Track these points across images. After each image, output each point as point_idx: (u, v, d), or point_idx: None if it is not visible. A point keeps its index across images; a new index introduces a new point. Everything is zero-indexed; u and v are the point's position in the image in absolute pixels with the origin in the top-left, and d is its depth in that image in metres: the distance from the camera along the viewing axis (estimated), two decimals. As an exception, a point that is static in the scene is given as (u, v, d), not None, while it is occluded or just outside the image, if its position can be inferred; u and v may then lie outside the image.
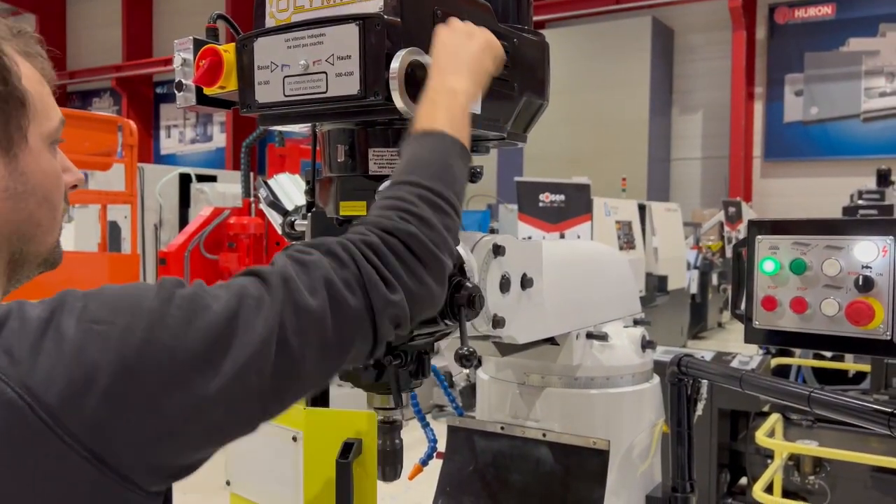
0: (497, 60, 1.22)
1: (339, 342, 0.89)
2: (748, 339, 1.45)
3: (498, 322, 1.33)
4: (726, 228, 10.70)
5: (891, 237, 1.28)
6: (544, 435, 1.71)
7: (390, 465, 1.41)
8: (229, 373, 0.80)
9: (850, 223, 1.33)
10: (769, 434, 3.49)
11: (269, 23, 1.26)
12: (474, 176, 1.38)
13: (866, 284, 1.29)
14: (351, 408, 1.41)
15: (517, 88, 1.39)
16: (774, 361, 4.55)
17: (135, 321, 0.78)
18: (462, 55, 1.14)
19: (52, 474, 0.74)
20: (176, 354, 0.78)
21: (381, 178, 1.24)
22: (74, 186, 1.05)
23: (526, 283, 1.42)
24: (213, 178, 9.20)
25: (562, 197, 7.34)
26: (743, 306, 1.48)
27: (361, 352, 0.93)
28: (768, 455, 3.73)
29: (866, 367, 4.46)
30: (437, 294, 0.98)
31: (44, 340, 0.76)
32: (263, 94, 1.23)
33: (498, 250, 1.33)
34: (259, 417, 0.87)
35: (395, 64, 1.11)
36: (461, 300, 1.19)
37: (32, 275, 1.00)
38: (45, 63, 0.99)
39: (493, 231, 6.15)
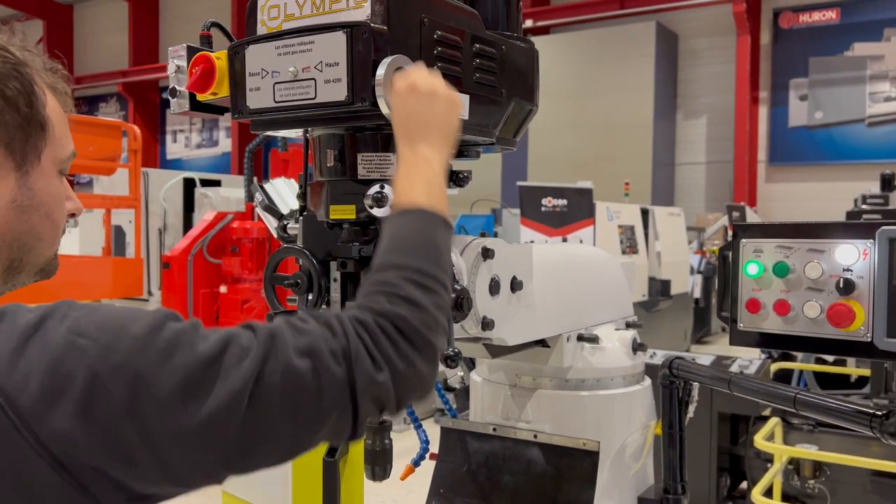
0: (459, 113, 1.19)
1: (315, 408, 0.87)
2: (733, 342, 1.47)
3: (487, 324, 1.36)
4: (730, 233, 10.68)
5: (871, 240, 1.29)
6: (536, 436, 1.73)
7: (380, 465, 1.43)
8: (196, 415, 0.80)
9: (832, 227, 1.35)
10: (769, 438, 3.50)
11: (261, 30, 1.29)
12: (462, 181, 1.40)
13: (847, 287, 1.31)
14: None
15: (505, 94, 1.41)
16: (775, 366, 4.56)
17: (116, 343, 0.80)
18: (430, 120, 1.13)
19: (16, 475, 0.76)
20: (145, 384, 0.79)
21: (370, 182, 1.27)
22: (73, 215, 1.10)
23: (516, 285, 1.44)
24: (217, 183, 9.24)
25: (564, 201, 7.35)
26: (729, 309, 1.49)
27: (340, 428, 0.91)
28: (768, 459, 3.73)
29: (867, 372, 4.46)
30: (426, 376, 0.96)
31: (28, 345, 0.78)
32: (254, 100, 1.25)
33: (487, 253, 1.35)
34: (221, 469, 0.86)
35: (382, 70, 1.14)
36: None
37: (28, 282, 1.04)
38: (68, 99, 1.07)
39: (495, 236, 6.17)
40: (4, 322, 0.80)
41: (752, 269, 1.42)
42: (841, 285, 1.31)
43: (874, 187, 8.01)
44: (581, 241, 7.21)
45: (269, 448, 0.87)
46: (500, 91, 1.40)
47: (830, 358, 5.24)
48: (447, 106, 1.15)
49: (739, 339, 1.45)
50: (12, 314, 0.81)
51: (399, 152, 1.12)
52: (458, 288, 1.26)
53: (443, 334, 0.99)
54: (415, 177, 1.08)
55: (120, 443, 0.78)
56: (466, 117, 1.28)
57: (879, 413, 1.29)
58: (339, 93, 1.16)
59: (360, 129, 1.28)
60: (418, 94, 1.13)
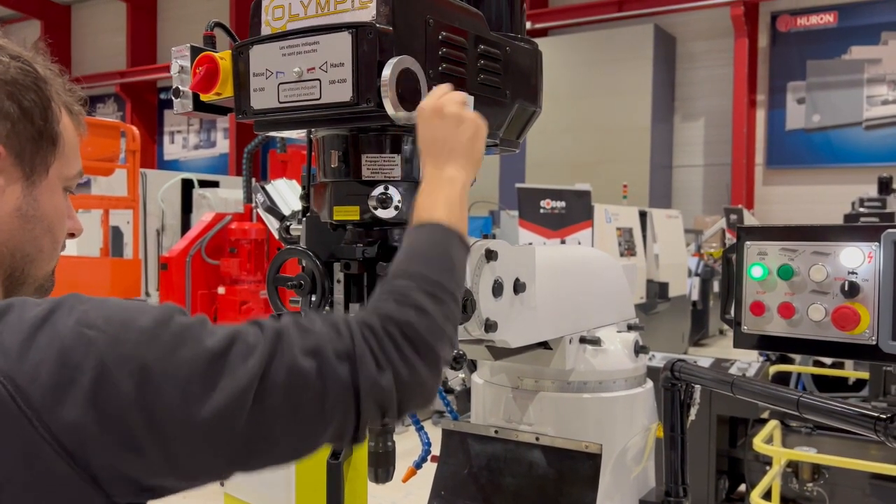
0: (485, 139, 1.22)
1: (319, 409, 0.88)
2: (737, 344, 1.47)
3: (490, 326, 1.35)
4: (728, 236, 10.69)
5: (876, 243, 1.29)
6: (537, 438, 1.73)
7: (382, 467, 1.42)
8: (202, 410, 0.81)
9: (837, 229, 1.35)
10: (767, 441, 3.50)
11: (265, 31, 1.28)
12: (467, 182, 1.39)
13: (852, 290, 1.31)
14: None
15: (509, 95, 1.41)
16: (774, 369, 4.56)
17: (124, 335, 0.81)
18: (456, 144, 1.15)
19: (26, 464, 0.77)
20: (153, 375, 0.80)
21: (374, 184, 1.27)
22: (72, 235, 1.11)
23: (519, 287, 1.43)
24: (215, 184, 9.22)
25: (562, 203, 7.35)
26: (732, 311, 1.49)
27: (344, 430, 0.91)
28: (767, 462, 3.73)
29: (866, 375, 4.46)
30: (428, 384, 0.96)
31: (37, 336, 0.79)
32: (259, 101, 1.25)
33: (491, 255, 1.35)
34: (225, 465, 0.86)
35: (387, 71, 1.13)
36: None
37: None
38: (81, 120, 1.09)
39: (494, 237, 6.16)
40: (12, 314, 0.81)
41: (757, 271, 1.42)
42: (846, 288, 1.31)
43: (872, 190, 8.02)
44: (579, 243, 7.21)
45: (273, 448, 0.87)
46: (504, 92, 1.40)
47: (828, 361, 5.24)
48: (473, 130, 1.18)
49: (744, 341, 1.45)
50: (20, 307, 0.82)
51: (424, 171, 1.14)
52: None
53: (448, 345, 1.00)
54: (437, 195, 1.11)
55: (128, 434, 0.79)
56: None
57: (884, 416, 1.29)
58: (344, 93, 1.16)
59: (364, 130, 1.28)
60: (444, 118, 1.15)
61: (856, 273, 1.32)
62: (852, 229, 1.33)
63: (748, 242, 1.44)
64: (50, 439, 0.77)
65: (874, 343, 1.29)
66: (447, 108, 1.16)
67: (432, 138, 1.15)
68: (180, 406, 0.80)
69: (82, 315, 0.81)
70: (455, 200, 1.11)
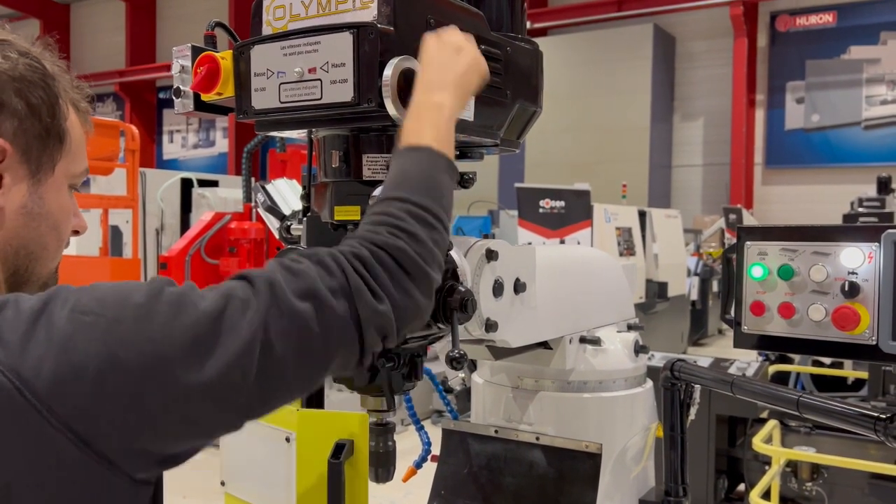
0: (482, 78, 1.23)
1: (324, 347, 0.91)
2: (737, 344, 1.47)
3: (491, 326, 1.35)
4: (727, 235, 10.70)
5: (876, 244, 1.29)
6: (538, 438, 1.73)
7: (383, 466, 1.42)
8: (212, 370, 0.82)
9: (837, 230, 1.35)
10: (767, 440, 3.50)
11: (266, 30, 1.28)
12: (467, 182, 1.40)
13: (852, 290, 1.31)
14: (349, 411, 1.42)
15: (510, 95, 1.41)
16: (773, 368, 4.57)
17: (122, 313, 0.82)
18: (449, 71, 1.15)
19: (40, 456, 0.77)
20: (159, 347, 0.81)
21: (375, 184, 1.26)
22: (76, 232, 1.11)
23: (519, 287, 1.43)
24: (214, 184, 9.21)
25: (562, 203, 7.35)
26: (733, 311, 1.49)
27: (348, 360, 0.95)
28: (766, 461, 3.74)
29: (865, 374, 4.47)
30: (423, 307, 1.00)
31: (35, 329, 0.79)
32: (260, 101, 1.25)
33: (491, 255, 1.35)
34: (242, 417, 0.89)
35: (388, 71, 1.13)
36: (453, 304, 1.21)
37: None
38: (88, 118, 1.09)
39: (493, 237, 6.16)
40: (7, 310, 0.81)
41: (757, 271, 1.42)
42: (846, 288, 1.31)
43: (870, 190, 8.03)
44: (578, 243, 7.21)
45: (284, 391, 0.90)
46: (504, 92, 1.40)
47: (827, 360, 5.25)
48: (470, 63, 1.18)
49: (744, 341, 1.45)
50: (14, 302, 0.83)
51: (413, 97, 1.14)
52: (463, 289, 1.26)
53: (439, 268, 1.03)
54: (425, 118, 1.11)
55: (143, 409, 0.80)
56: (471, 118, 1.28)
57: (884, 416, 1.29)
58: (345, 93, 1.16)
59: (365, 130, 1.28)
60: (445, 46, 1.16)
61: (856, 273, 1.32)
62: (852, 229, 1.34)
63: (748, 242, 1.44)
64: (61, 428, 0.77)
65: (874, 343, 1.30)
66: (450, 36, 1.17)
67: (428, 62, 1.16)
68: (191, 371, 0.82)
69: (76, 303, 0.82)
70: (442, 126, 1.11)
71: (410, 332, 1.02)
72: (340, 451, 1.34)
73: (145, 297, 0.84)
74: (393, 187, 1.05)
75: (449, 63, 1.16)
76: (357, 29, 1.14)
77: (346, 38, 1.15)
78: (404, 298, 0.96)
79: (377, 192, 1.08)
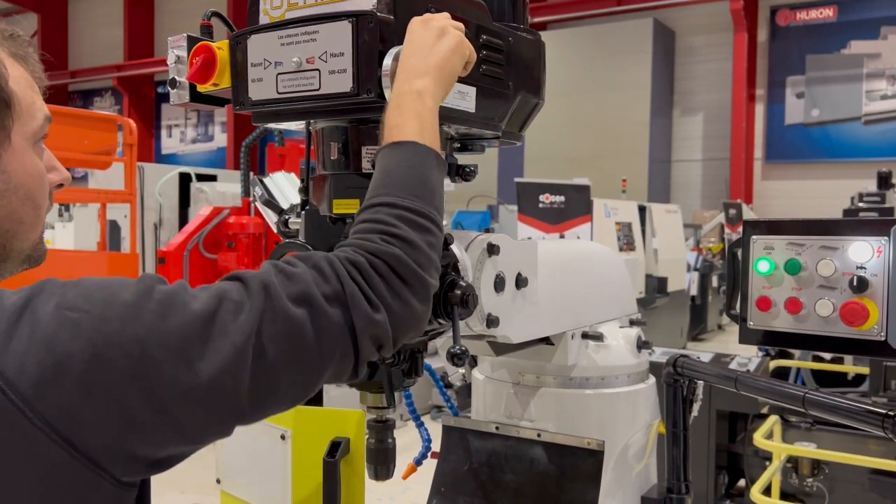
0: (467, 60, 1.17)
1: (318, 355, 0.88)
2: (743, 340, 1.44)
3: (492, 321, 1.33)
4: (727, 230, 10.69)
5: (885, 238, 1.27)
6: (539, 435, 1.71)
7: (382, 464, 1.40)
8: (203, 375, 0.80)
9: (845, 224, 1.33)
10: (767, 436, 3.49)
11: (263, 20, 1.26)
12: (468, 174, 1.37)
13: (861, 285, 1.29)
14: (347, 408, 1.40)
15: (512, 87, 1.38)
16: (773, 364, 4.55)
17: (109, 311, 0.79)
18: (431, 55, 1.10)
19: (24, 456, 0.75)
20: (147, 348, 0.78)
21: (374, 176, 1.24)
22: (60, 185, 1.05)
23: (521, 282, 1.41)
24: (213, 178, 9.19)
25: (562, 198, 7.33)
26: (738, 307, 1.47)
27: (342, 369, 0.92)
28: (766, 457, 3.73)
29: (865, 370, 4.46)
30: (420, 315, 0.97)
31: (18, 326, 0.76)
32: (257, 92, 1.22)
33: (492, 249, 1.33)
34: (232, 423, 0.86)
35: (388, 61, 1.11)
36: (454, 299, 1.18)
37: (16, 271, 1.00)
38: (36, 65, 1.00)
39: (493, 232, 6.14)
40: None
41: (763, 266, 1.40)
42: (854, 283, 1.29)
43: (871, 185, 8.04)
44: (578, 238, 7.19)
45: (276, 399, 0.88)
46: (506, 84, 1.37)
47: (828, 356, 5.24)
48: (453, 46, 1.12)
49: (749, 337, 1.43)
50: None
51: (395, 85, 1.09)
52: (464, 284, 1.23)
53: (435, 272, 1.00)
54: (407, 108, 1.06)
55: (128, 412, 0.77)
56: (473, 110, 1.26)
57: (892, 413, 1.27)
58: (344, 84, 1.13)
59: (364, 122, 1.25)
60: (428, 27, 1.11)
61: (864, 268, 1.30)
62: (861, 223, 1.31)
63: (754, 237, 1.42)
64: (45, 428, 0.75)
65: (883, 339, 1.27)
66: (435, 20, 1.12)
67: (411, 47, 1.11)
68: (179, 375, 0.79)
69: (61, 299, 0.79)
70: (426, 115, 1.06)
71: (407, 341, 0.99)
72: (336, 449, 1.32)
73: (134, 295, 0.81)
74: (381, 190, 1.01)
75: (431, 46, 1.10)
76: (356, 17, 1.12)
77: (345, 27, 1.12)
78: (401, 307, 0.93)
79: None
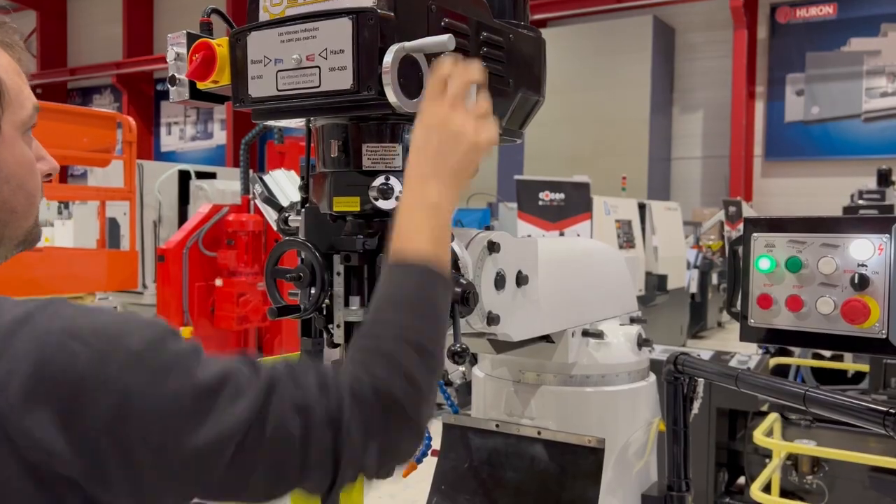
0: (489, 145, 1.11)
1: (297, 470, 0.86)
2: (743, 338, 1.44)
3: (493, 319, 1.33)
4: (726, 228, 10.69)
5: (887, 235, 1.27)
6: (539, 433, 1.70)
7: (383, 462, 1.40)
8: (182, 446, 0.78)
9: (846, 221, 1.33)
10: (767, 433, 3.49)
11: (263, 17, 1.25)
12: (469, 173, 1.37)
13: (862, 283, 1.29)
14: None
15: (512, 84, 1.38)
16: (773, 361, 4.55)
17: (112, 353, 0.77)
18: (449, 157, 1.06)
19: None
20: (133, 404, 0.76)
21: (375, 174, 1.24)
22: (48, 176, 1.03)
23: (521, 280, 1.41)
24: (212, 175, 9.17)
25: (561, 195, 7.34)
26: (739, 304, 1.47)
27: (315, 487, 0.90)
28: (766, 455, 3.73)
29: (865, 367, 4.46)
30: (409, 453, 0.96)
31: (13, 341, 0.75)
32: (256, 89, 1.22)
33: (493, 247, 1.33)
34: (194, 497, 0.84)
35: (388, 58, 1.10)
36: (455, 297, 1.18)
37: (10, 254, 0.99)
38: (22, 53, 0.98)
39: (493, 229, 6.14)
40: None
41: (764, 263, 1.39)
42: (855, 281, 1.29)
43: (870, 182, 8.03)
44: (578, 235, 7.19)
45: (244, 493, 0.85)
46: (507, 81, 1.37)
47: (827, 353, 5.24)
48: (468, 148, 1.08)
49: (750, 335, 1.43)
50: None
51: (407, 183, 1.06)
52: (464, 282, 1.23)
53: (432, 408, 0.97)
54: (419, 221, 1.02)
55: (97, 458, 0.75)
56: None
57: (892, 411, 1.27)
58: (344, 81, 1.13)
59: (365, 119, 1.25)
60: (448, 124, 1.07)
61: (866, 265, 1.30)
62: (862, 221, 1.31)
63: (755, 234, 1.41)
64: (14, 454, 0.73)
65: (884, 336, 1.27)
66: (453, 121, 1.07)
67: (421, 147, 1.07)
68: (158, 440, 0.77)
69: (69, 323, 0.77)
70: (439, 230, 1.03)
71: (390, 475, 0.98)
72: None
73: (143, 344, 0.79)
74: (390, 309, 0.98)
75: (451, 145, 1.06)
76: (356, 14, 1.12)
77: (346, 24, 1.12)
78: (391, 446, 0.92)
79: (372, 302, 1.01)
